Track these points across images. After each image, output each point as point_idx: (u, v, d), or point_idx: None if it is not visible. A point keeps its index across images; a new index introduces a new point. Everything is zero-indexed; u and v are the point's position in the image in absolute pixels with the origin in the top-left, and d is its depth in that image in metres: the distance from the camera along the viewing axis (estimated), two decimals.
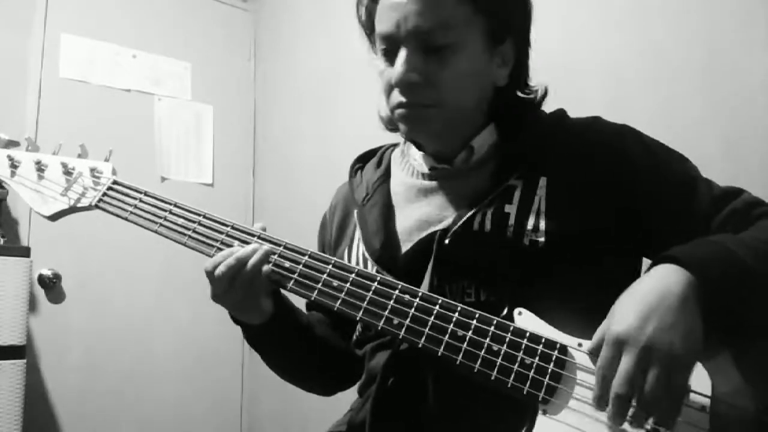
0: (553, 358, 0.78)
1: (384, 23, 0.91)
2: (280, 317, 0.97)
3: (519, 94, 1.00)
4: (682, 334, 0.69)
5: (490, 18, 0.90)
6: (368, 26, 0.98)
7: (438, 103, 0.91)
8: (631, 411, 0.71)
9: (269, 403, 2.55)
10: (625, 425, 0.72)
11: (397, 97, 0.92)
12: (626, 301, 0.74)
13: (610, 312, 0.75)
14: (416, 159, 1.02)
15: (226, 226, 0.96)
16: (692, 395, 0.73)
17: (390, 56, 0.92)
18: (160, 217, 0.99)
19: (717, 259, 0.75)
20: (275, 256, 0.92)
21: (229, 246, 0.93)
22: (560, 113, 0.99)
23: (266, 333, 0.98)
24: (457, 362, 0.80)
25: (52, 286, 2.24)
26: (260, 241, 0.94)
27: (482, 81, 0.94)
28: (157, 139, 2.57)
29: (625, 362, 0.70)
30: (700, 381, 0.73)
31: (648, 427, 0.72)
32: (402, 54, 0.89)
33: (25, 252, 1.90)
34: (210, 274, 0.90)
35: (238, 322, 0.99)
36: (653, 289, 0.73)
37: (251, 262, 0.89)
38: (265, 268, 0.90)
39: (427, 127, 0.94)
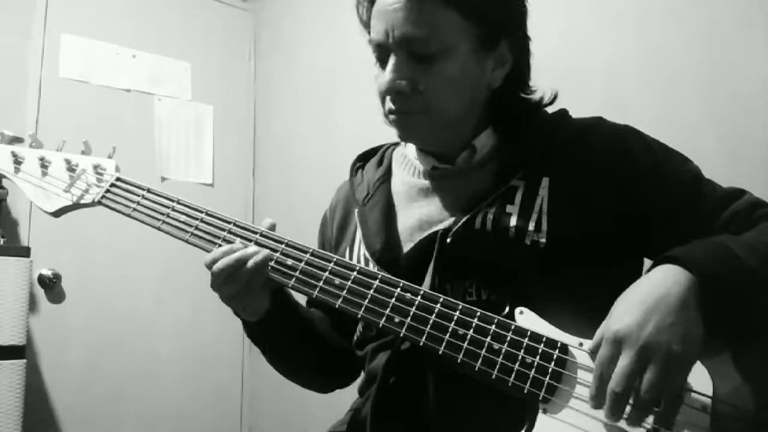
0: (554, 358, 0.78)
1: (375, 31, 0.92)
2: (276, 316, 0.97)
3: (520, 94, 1.00)
4: (681, 334, 0.69)
5: (479, 24, 0.90)
6: (368, 27, 0.98)
7: (426, 110, 0.91)
8: (628, 409, 0.71)
9: (270, 403, 2.55)
10: (623, 424, 0.73)
11: (388, 104, 0.93)
12: (626, 300, 0.75)
13: (610, 311, 0.75)
14: (412, 160, 1.03)
15: (228, 223, 0.96)
16: (693, 395, 0.73)
17: (382, 63, 0.93)
18: (163, 214, 0.99)
19: (717, 259, 0.75)
20: (278, 254, 0.92)
21: (231, 243, 0.94)
22: (562, 113, 0.99)
23: (263, 330, 0.99)
24: (458, 361, 0.80)
25: (52, 286, 2.24)
26: (263, 239, 0.94)
27: (474, 85, 0.94)
28: (157, 139, 2.57)
29: (624, 360, 0.70)
30: (701, 381, 0.73)
31: (648, 426, 0.73)
32: (391, 62, 0.90)
33: (25, 252, 1.90)
34: (208, 267, 0.91)
35: (239, 315, 1.00)
36: (653, 289, 0.73)
37: (249, 264, 0.89)
38: (267, 266, 0.90)
39: (418, 132, 0.96)
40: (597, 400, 0.73)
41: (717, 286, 0.73)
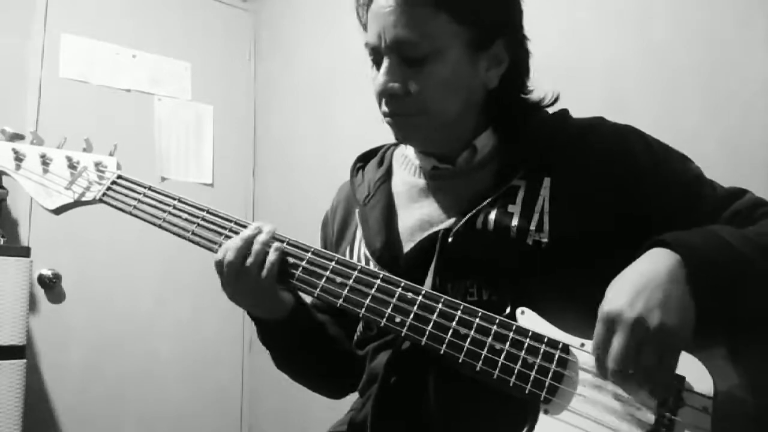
0: (556, 358, 0.78)
1: (369, 34, 0.93)
2: (300, 311, 0.98)
3: (519, 94, 1.00)
4: (672, 310, 0.70)
5: (470, 25, 0.90)
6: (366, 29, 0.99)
7: (421, 112, 0.92)
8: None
9: (270, 403, 2.55)
10: (626, 426, 0.73)
11: (383, 106, 0.94)
12: (617, 283, 0.75)
13: (604, 296, 0.75)
14: (413, 160, 1.03)
15: (230, 221, 0.97)
16: (694, 396, 0.73)
17: (377, 65, 0.94)
18: (164, 212, 0.99)
19: (707, 244, 0.76)
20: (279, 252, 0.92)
21: None
22: (563, 114, 0.99)
23: (286, 328, 0.98)
24: (459, 361, 0.80)
25: (52, 286, 2.24)
26: None
27: (468, 86, 0.93)
28: (157, 139, 2.57)
29: (619, 338, 0.71)
30: (702, 382, 0.73)
31: (649, 425, 0.73)
32: (384, 64, 0.91)
33: (25, 252, 1.90)
34: (219, 264, 0.91)
35: (255, 320, 0.99)
36: (643, 270, 0.75)
37: (259, 239, 0.90)
38: (276, 244, 0.91)
39: (414, 134, 0.96)
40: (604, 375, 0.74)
41: (705, 268, 0.74)
